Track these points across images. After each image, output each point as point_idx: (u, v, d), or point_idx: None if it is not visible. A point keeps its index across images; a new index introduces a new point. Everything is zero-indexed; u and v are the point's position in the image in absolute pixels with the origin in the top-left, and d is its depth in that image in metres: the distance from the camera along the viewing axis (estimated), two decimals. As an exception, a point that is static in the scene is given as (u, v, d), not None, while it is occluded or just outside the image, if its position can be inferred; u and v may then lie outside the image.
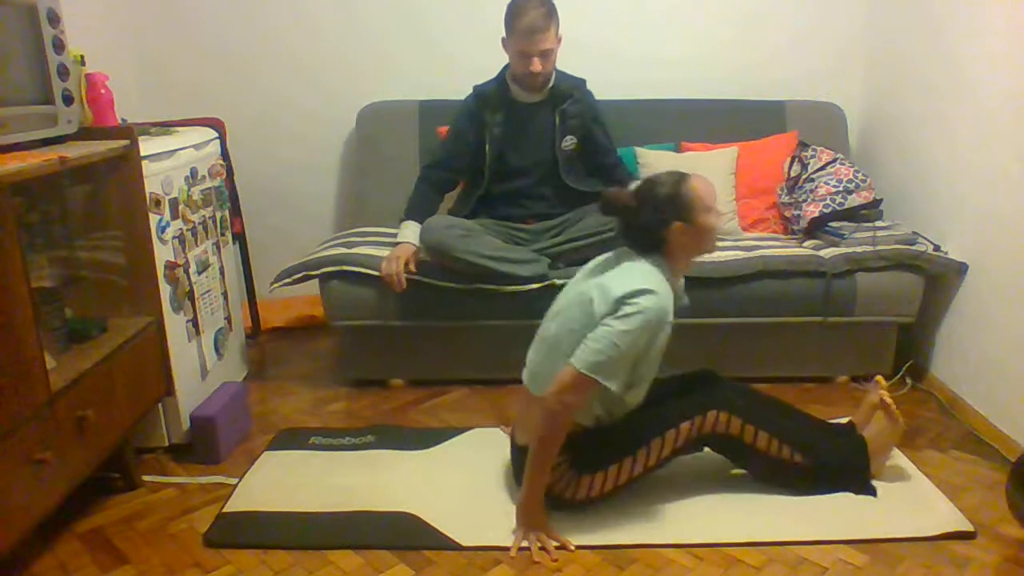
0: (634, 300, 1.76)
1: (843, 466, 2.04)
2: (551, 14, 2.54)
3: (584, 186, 2.76)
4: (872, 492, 2.02)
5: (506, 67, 2.73)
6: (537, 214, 2.76)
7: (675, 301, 1.88)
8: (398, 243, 2.61)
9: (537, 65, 2.57)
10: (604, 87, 3.03)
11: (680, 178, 1.87)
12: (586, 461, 1.91)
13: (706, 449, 2.02)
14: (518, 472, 1.98)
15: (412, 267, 2.55)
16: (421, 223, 2.62)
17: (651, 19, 3.27)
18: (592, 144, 2.80)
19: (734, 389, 2.03)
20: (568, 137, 2.74)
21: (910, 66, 2.94)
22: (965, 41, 2.56)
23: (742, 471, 2.08)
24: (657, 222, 1.84)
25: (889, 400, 2.09)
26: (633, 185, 1.89)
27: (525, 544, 1.83)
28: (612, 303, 1.77)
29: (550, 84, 2.71)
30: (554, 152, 2.73)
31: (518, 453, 1.98)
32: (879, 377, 2.20)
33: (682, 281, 1.99)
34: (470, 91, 2.80)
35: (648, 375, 1.91)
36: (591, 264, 1.98)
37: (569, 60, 2.88)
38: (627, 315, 1.75)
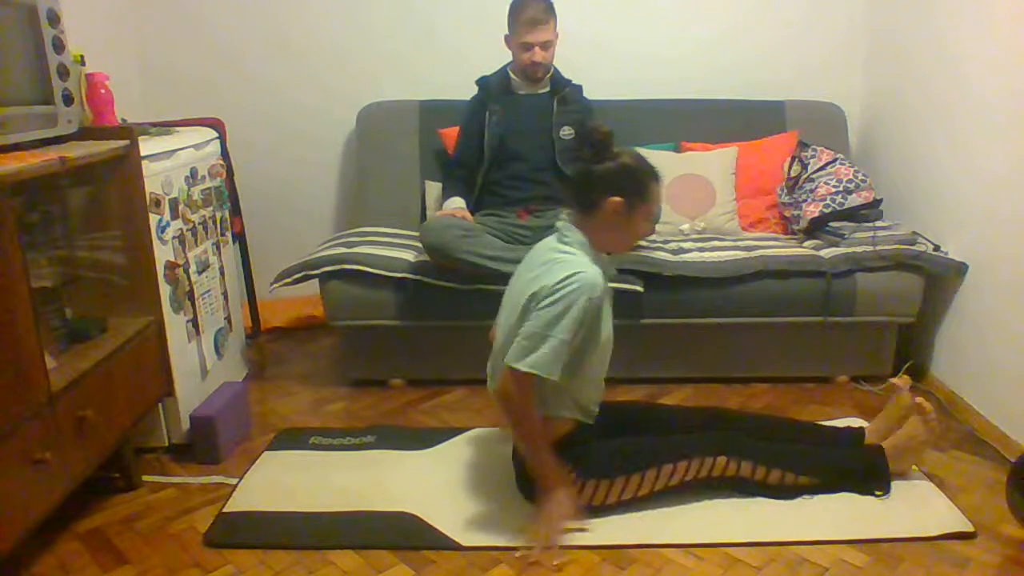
0: (562, 284, 1.74)
1: (861, 477, 2.04)
2: (550, 9, 2.74)
3: None
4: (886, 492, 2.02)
5: (507, 64, 2.85)
6: (540, 197, 2.80)
7: (605, 276, 1.87)
8: (448, 208, 2.77)
9: (539, 55, 2.74)
10: (604, 87, 3.04)
11: (654, 172, 1.87)
12: (590, 467, 1.90)
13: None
14: (516, 479, 2.01)
15: (470, 219, 2.70)
16: (463, 197, 2.81)
17: (651, 18, 3.28)
18: None
19: (744, 430, 2.04)
20: (566, 127, 2.83)
21: (910, 65, 2.94)
22: (966, 40, 2.56)
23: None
24: (609, 182, 1.81)
25: (927, 406, 2.05)
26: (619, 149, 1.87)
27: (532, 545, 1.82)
28: (544, 295, 1.76)
29: (549, 74, 2.84)
30: (552, 140, 2.81)
31: (516, 460, 2.00)
32: (906, 377, 2.17)
33: (605, 256, 1.98)
34: (471, 91, 2.89)
35: (601, 356, 1.89)
36: (523, 266, 1.94)
37: (569, 59, 2.90)
38: (556, 300, 1.74)
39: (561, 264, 1.79)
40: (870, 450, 2.08)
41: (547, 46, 2.75)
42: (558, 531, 1.83)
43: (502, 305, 1.98)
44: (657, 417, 2.15)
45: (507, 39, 2.79)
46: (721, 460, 1.94)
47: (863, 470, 2.04)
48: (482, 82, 2.88)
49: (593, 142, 1.84)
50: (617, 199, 1.81)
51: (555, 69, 2.85)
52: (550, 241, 1.91)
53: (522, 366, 1.75)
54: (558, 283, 1.75)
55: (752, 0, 3.26)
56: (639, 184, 1.84)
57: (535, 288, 1.79)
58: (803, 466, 2.00)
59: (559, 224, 1.90)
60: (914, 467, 2.12)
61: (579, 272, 1.76)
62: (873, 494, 2.01)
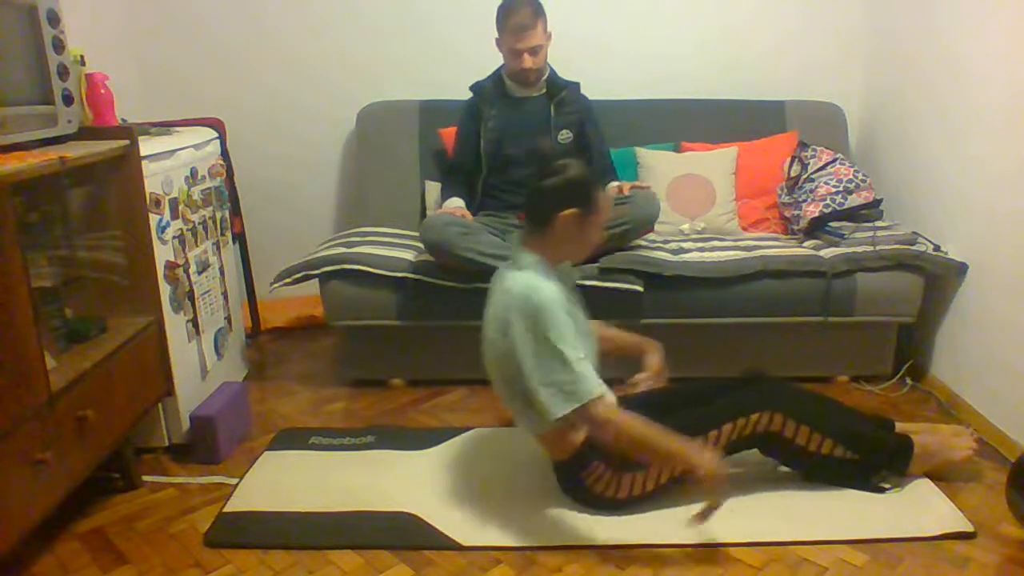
0: (527, 322, 1.78)
1: (885, 461, 2.05)
2: (538, 12, 2.67)
3: None
4: (887, 490, 2.03)
5: (501, 66, 2.83)
6: None
7: (567, 281, 1.94)
8: (448, 207, 2.76)
9: (528, 61, 2.69)
10: (603, 86, 3.04)
11: (597, 179, 1.91)
12: (625, 461, 1.91)
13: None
14: (558, 480, 2.01)
15: (470, 218, 2.68)
16: (463, 198, 2.80)
17: (650, 18, 3.28)
18: (585, 141, 2.84)
19: (779, 387, 2.04)
20: (564, 130, 2.81)
21: (910, 65, 2.94)
22: (966, 40, 2.56)
23: (741, 471, 2.08)
24: (559, 196, 1.84)
25: (976, 444, 2.11)
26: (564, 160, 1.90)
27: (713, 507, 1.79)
28: (520, 339, 1.80)
29: (544, 76, 2.81)
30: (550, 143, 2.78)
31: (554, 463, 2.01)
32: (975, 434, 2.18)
33: (565, 264, 2.01)
34: (470, 92, 2.87)
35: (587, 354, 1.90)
36: (489, 300, 1.97)
37: (569, 59, 2.90)
38: (535, 340, 1.77)
39: (512, 297, 1.82)
40: (901, 437, 2.09)
41: (536, 51, 2.68)
42: (722, 487, 1.78)
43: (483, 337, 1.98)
44: (694, 390, 2.13)
45: (497, 43, 2.75)
46: (755, 416, 1.93)
47: (889, 454, 2.05)
48: (476, 87, 2.84)
49: (537, 159, 1.89)
50: (570, 212, 1.84)
51: (551, 70, 2.81)
52: (504, 271, 1.93)
53: (584, 402, 1.76)
54: (522, 324, 1.78)
55: (752, 0, 3.26)
56: (589, 194, 1.87)
57: (504, 333, 1.83)
58: (838, 435, 1.99)
59: (512, 250, 1.95)
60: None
61: (529, 297, 1.78)
62: (882, 489, 2.02)
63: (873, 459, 2.04)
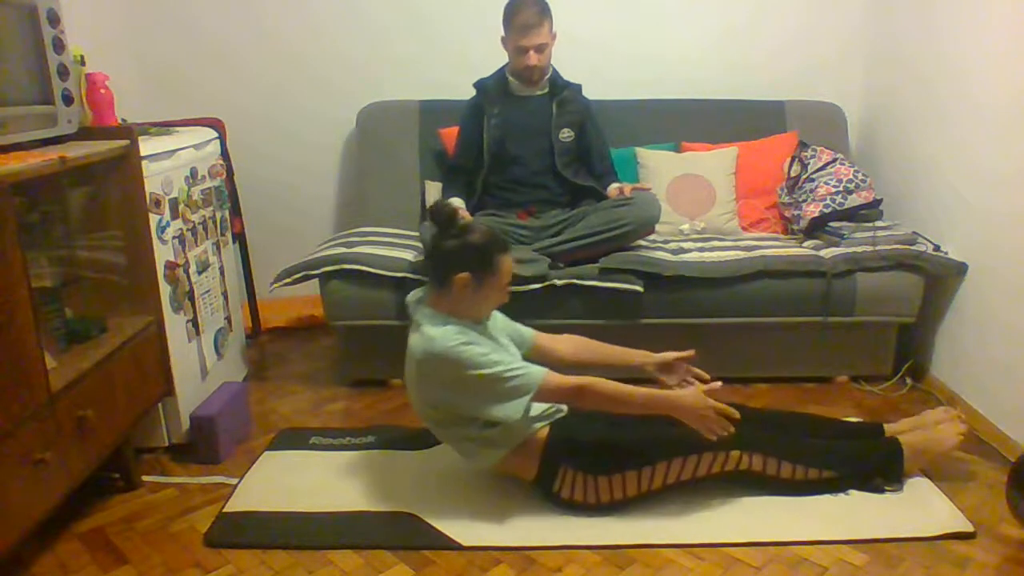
0: (433, 376, 1.87)
1: (876, 470, 2.04)
2: (544, 11, 2.70)
3: (581, 180, 2.80)
4: (886, 490, 2.03)
5: (505, 65, 2.83)
6: (539, 200, 2.80)
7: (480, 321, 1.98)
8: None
9: (533, 59, 2.70)
10: (604, 86, 3.04)
11: (501, 245, 1.93)
12: (599, 464, 1.92)
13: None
14: (537, 482, 2.01)
15: (469, 219, 2.65)
16: (462, 198, 2.80)
17: (651, 18, 3.28)
18: (586, 142, 2.84)
19: (757, 425, 2.02)
20: (565, 129, 2.81)
21: (910, 66, 2.94)
22: (965, 40, 2.56)
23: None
24: (457, 259, 1.88)
25: (965, 426, 2.10)
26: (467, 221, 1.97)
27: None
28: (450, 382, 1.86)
29: (547, 76, 2.82)
30: (551, 142, 2.79)
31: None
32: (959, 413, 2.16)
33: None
34: (471, 91, 2.88)
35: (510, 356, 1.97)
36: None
37: (570, 59, 2.90)
38: (460, 376, 1.83)
39: (418, 359, 1.87)
40: (888, 443, 2.08)
41: (541, 49, 2.71)
42: (713, 416, 1.82)
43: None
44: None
45: (503, 41, 2.77)
46: (735, 455, 1.93)
47: (879, 462, 2.05)
48: (479, 85, 2.86)
49: (438, 220, 1.92)
50: (465, 275, 1.86)
51: (554, 70, 2.83)
52: (409, 332, 1.96)
53: (537, 387, 1.82)
54: (440, 379, 1.86)
55: (753, 0, 3.26)
56: (485, 259, 1.89)
57: (426, 398, 1.93)
58: (818, 460, 2.00)
59: (410, 311, 1.99)
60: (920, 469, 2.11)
61: (430, 351, 1.83)
62: (883, 490, 2.02)
63: (861, 471, 2.03)
